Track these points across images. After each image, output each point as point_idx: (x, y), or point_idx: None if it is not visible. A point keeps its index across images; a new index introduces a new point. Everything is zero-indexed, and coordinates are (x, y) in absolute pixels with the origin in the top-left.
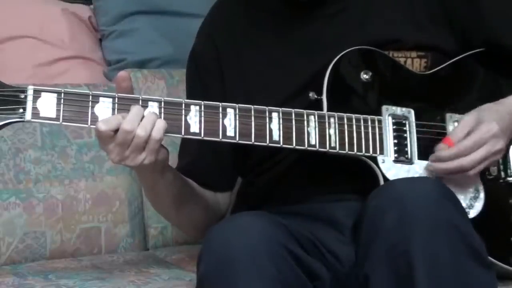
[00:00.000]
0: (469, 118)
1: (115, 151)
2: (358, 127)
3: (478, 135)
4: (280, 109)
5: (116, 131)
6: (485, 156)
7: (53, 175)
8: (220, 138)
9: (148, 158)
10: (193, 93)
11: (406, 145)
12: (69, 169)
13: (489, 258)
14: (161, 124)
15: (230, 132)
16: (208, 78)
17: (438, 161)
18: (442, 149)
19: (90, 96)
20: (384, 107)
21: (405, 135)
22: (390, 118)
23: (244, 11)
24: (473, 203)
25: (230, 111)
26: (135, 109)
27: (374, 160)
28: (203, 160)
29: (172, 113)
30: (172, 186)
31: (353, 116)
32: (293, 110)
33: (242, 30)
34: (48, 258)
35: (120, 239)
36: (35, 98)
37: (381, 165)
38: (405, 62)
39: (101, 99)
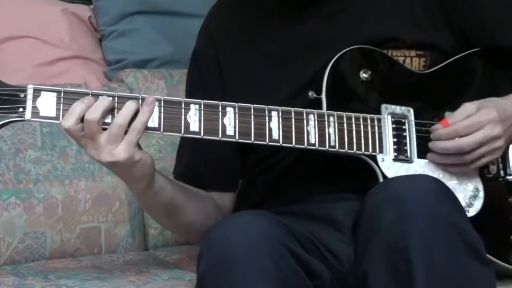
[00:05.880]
0: (470, 104)
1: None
2: (358, 126)
3: (476, 118)
4: (280, 108)
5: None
6: (483, 139)
7: (53, 175)
8: (219, 137)
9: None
10: (193, 92)
11: (405, 144)
12: (69, 169)
13: (489, 256)
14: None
15: (229, 131)
16: (208, 78)
17: (437, 140)
18: (437, 129)
19: (90, 95)
20: (383, 106)
21: (404, 133)
22: (389, 117)
23: (243, 11)
24: (472, 202)
25: (229, 110)
26: (128, 104)
27: (374, 159)
28: (203, 162)
29: (172, 112)
30: (161, 198)
31: (353, 115)
32: (292, 109)
33: (241, 30)
34: (48, 258)
35: (120, 239)
36: (35, 97)
37: (380, 163)
38: (404, 61)
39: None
